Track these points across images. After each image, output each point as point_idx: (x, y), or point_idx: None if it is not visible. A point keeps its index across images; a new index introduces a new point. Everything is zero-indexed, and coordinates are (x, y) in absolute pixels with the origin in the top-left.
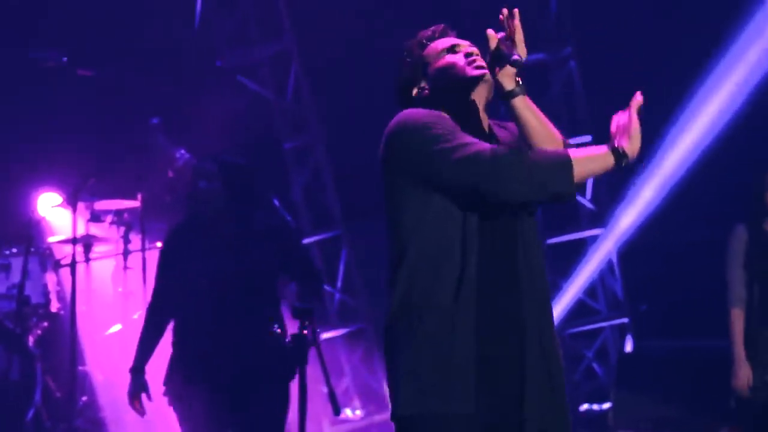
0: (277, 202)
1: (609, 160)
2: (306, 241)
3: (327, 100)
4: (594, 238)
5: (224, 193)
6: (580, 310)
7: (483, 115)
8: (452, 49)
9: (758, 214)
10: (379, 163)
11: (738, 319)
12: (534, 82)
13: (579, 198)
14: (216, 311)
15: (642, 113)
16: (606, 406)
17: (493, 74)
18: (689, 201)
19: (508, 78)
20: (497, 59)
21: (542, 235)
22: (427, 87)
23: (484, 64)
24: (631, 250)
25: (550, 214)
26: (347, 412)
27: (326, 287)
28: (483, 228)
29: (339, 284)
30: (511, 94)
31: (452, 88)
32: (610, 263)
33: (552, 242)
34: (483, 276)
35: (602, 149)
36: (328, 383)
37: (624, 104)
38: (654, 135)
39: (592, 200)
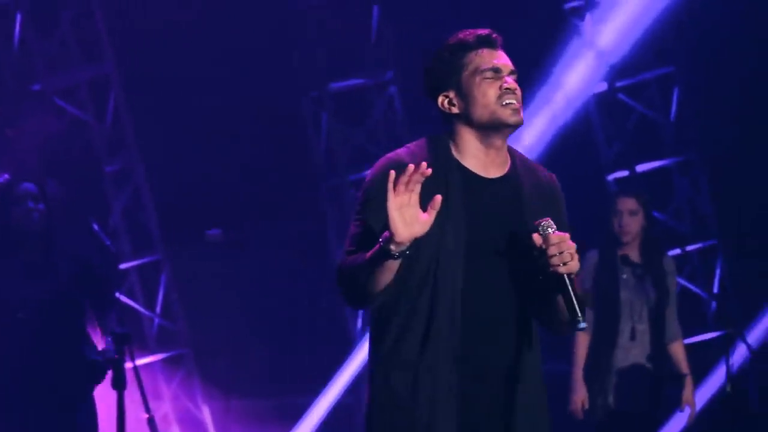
0: (96, 227)
1: (381, 259)
2: (125, 265)
3: (148, 123)
4: None
5: (46, 216)
6: None
7: (504, 151)
8: (492, 74)
9: (609, 240)
10: None
11: (582, 342)
12: (355, 107)
13: None
14: (19, 337)
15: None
16: None
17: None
18: None
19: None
20: (568, 311)
21: None
22: (455, 104)
23: (519, 105)
24: None
25: None
26: None
27: (145, 312)
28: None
29: (158, 309)
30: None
31: (481, 124)
32: None
33: None
34: (464, 334)
35: (374, 249)
36: (147, 409)
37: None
38: None
39: None
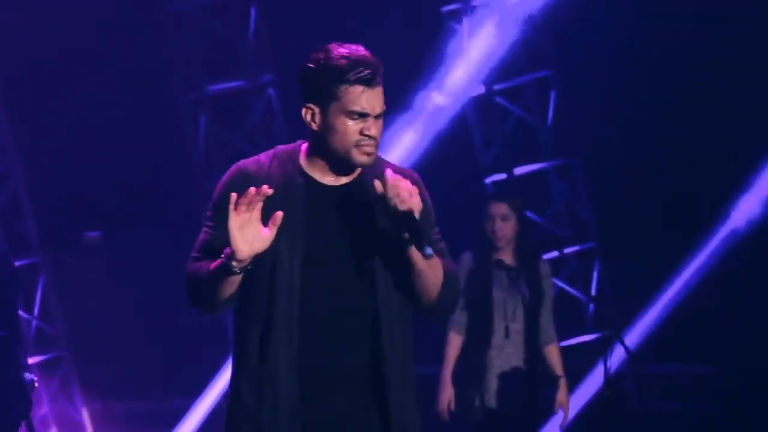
0: None
1: (222, 272)
2: None
3: (27, 127)
4: None
5: None
6: None
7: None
8: (358, 117)
9: (484, 243)
10: None
11: (453, 342)
12: (233, 109)
13: None
14: None
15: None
16: None
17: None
18: None
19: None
20: (409, 238)
21: None
22: (316, 122)
23: (374, 150)
24: None
25: None
26: None
27: (23, 314)
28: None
29: (36, 311)
30: (405, 244)
31: (332, 153)
32: None
33: None
34: (306, 334)
35: (218, 261)
36: None
37: None
38: None
39: None
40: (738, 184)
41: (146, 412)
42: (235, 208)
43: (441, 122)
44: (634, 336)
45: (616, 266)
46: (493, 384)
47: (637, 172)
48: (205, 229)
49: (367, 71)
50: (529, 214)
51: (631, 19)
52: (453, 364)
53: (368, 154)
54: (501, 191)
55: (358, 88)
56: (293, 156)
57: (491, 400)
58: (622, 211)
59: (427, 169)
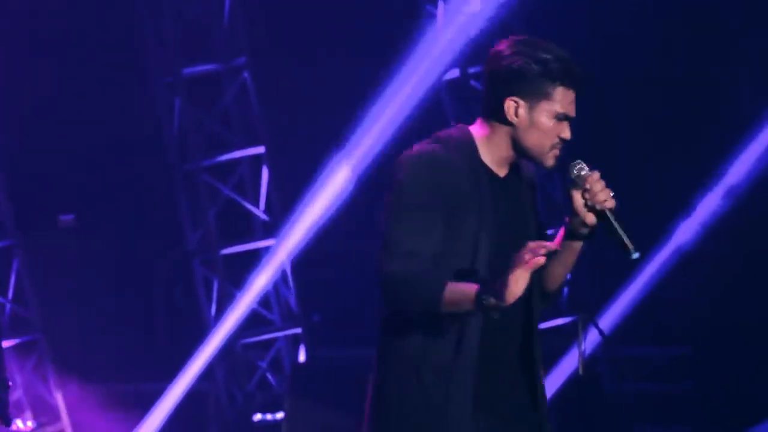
0: None
1: (469, 306)
2: None
3: (2, 110)
4: (268, 249)
5: None
6: (253, 321)
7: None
8: (563, 119)
9: None
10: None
11: None
12: (208, 92)
13: (252, 208)
14: None
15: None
16: (280, 416)
17: (572, 195)
18: (362, 210)
19: (588, 221)
20: (608, 229)
21: (216, 246)
22: (518, 116)
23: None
24: (304, 260)
25: (223, 224)
26: (18, 424)
27: None
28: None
29: (10, 294)
30: (582, 237)
31: (522, 148)
32: (284, 274)
33: (226, 253)
34: (490, 336)
35: (470, 295)
36: None
37: (298, 113)
38: (329, 144)
39: (265, 211)
40: (706, 172)
41: (121, 394)
42: (525, 263)
43: (416, 105)
44: (608, 319)
45: (590, 249)
46: None
47: (606, 157)
48: (404, 223)
49: (580, 76)
50: None
51: (605, 3)
52: None
53: (555, 158)
54: None
55: (570, 92)
56: (470, 146)
57: None
58: None
59: (397, 154)
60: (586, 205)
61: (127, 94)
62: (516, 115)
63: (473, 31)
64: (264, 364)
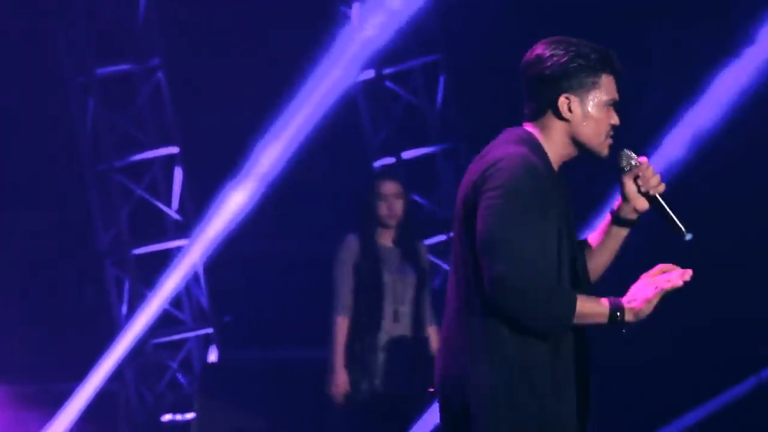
0: None
1: (602, 320)
2: None
3: None
4: (180, 249)
5: None
6: (165, 321)
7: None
8: (612, 106)
9: (369, 224)
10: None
11: (342, 326)
12: (121, 93)
13: (165, 208)
14: None
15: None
16: (190, 416)
17: (624, 182)
18: (275, 211)
19: (640, 207)
20: (661, 213)
21: (128, 246)
22: (572, 111)
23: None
24: (217, 260)
25: (135, 224)
26: None
27: None
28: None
29: None
30: (631, 223)
31: (579, 142)
32: (195, 274)
33: (138, 253)
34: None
35: (603, 310)
36: None
37: (212, 114)
38: (244, 144)
39: (178, 211)
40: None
41: (30, 394)
42: (662, 289)
43: (330, 106)
44: None
45: None
46: (382, 367)
47: None
48: (521, 229)
49: (617, 61)
50: (416, 197)
51: (520, 4)
52: (344, 348)
53: (609, 147)
54: (387, 171)
55: (612, 78)
56: (539, 146)
57: (379, 383)
58: None
59: (315, 154)
60: (638, 191)
61: (40, 94)
62: (570, 110)
63: (388, 32)
64: (174, 365)
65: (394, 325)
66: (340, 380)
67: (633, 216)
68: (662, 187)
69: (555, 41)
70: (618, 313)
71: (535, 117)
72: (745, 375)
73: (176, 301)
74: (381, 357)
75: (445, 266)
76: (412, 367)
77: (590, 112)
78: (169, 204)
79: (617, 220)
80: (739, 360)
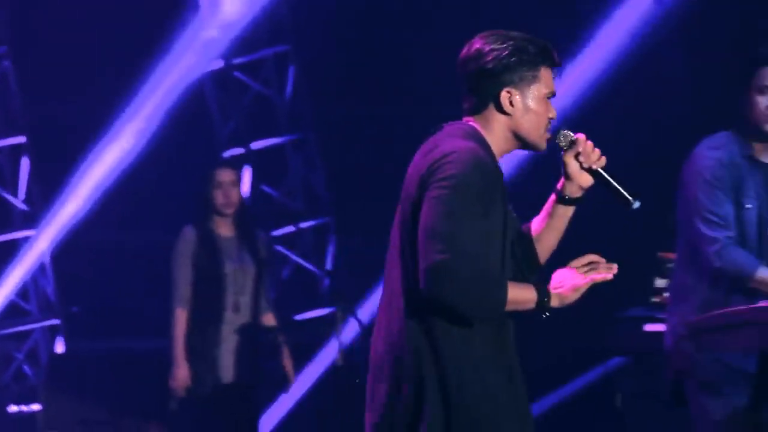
0: None
1: (531, 306)
2: None
3: None
4: (27, 239)
5: None
6: (10, 312)
7: None
8: (550, 99)
9: (206, 214)
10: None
11: (181, 319)
12: None
13: (10, 198)
14: None
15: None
16: (36, 407)
17: (566, 161)
18: (123, 201)
19: (584, 183)
20: (606, 185)
21: None
22: (514, 105)
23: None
24: (64, 250)
25: None
26: None
27: None
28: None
29: None
30: (577, 200)
31: (519, 136)
32: (42, 264)
33: None
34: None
35: (533, 296)
36: None
37: (60, 103)
38: (92, 134)
39: (25, 201)
40: None
41: None
42: (590, 279)
43: (178, 96)
44: (367, 310)
45: (350, 241)
46: (225, 358)
47: (369, 147)
48: (466, 222)
49: (555, 53)
50: (265, 188)
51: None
52: (183, 341)
53: (547, 140)
54: (224, 160)
55: (550, 71)
56: (484, 140)
57: (223, 374)
58: (357, 187)
59: (163, 144)
60: (581, 167)
61: None
62: (512, 104)
63: (237, 21)
64: (21, 356)
65: (235, 315)
66: (181, 374)
67: (578, 194)
68: (603, 160)
69: (492, 35)
70: (545, 299)
71: (476, 111)
72: (593, 365)
73: (22, 292)
74: (224, 349)
75: (294, 257)
76: (255, 357)
77: (531, 105)
78: (15, 194)
79: (562, 200)
80: (586, 351)
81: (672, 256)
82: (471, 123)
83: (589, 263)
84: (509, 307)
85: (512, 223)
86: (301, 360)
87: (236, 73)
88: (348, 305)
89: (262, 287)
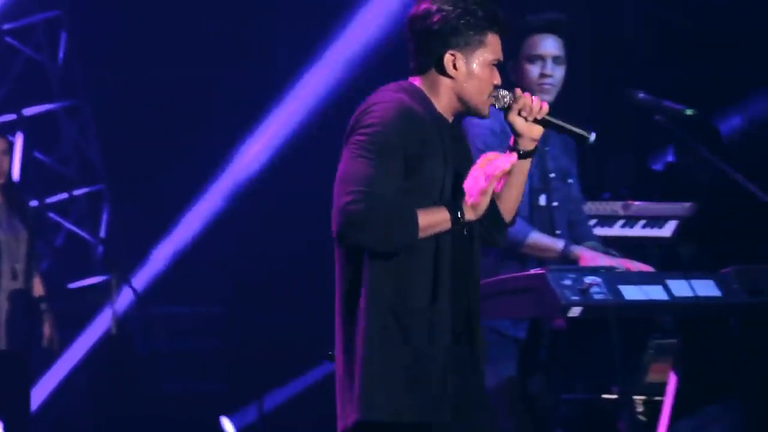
0: None
1: (448, 225)
2: None
3: None
4: None
5: None
6: None
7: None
8: (495, 65)
9: None
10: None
11: None
12: None
13: None
14: None
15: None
16: None
17: (511, 121)
18: None
19: (536, 135)
20: (557, 129)
21: None
22: (457, 69)
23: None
24: None
25: None
26: None
27: None
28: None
29: None
30: (531, 153)
31: (463, 100)
32: None
33: None
34: (453, 278)
35: (445, 215)
36: None
37: None
38: None
39: None
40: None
41: None
42: (489, 175)
43: None
44: (141, 278)
45: (124, 208)
46: (3, 325)
47: (142, 114)
48: (369, 162)
49: (505, 21)
50: (37, 154)
51: None
52: None
53: (491, 105)
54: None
55: (498, 38)
56: (423, 95)
57: (1, 342)
58: (130, 154)
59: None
60: (527, 121)
61: None
62: (455, 67)
63: None
64: None
65: (12, 282)
66: None
67: (532, 146)
68: (546, 107)
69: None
70: (459, 213)
71: (421, 71)
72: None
73: None
74: (2, 316)
75: (68, 225)
76: (30, 324)
77: (475, 70)
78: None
79: (518, 155)
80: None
81: None
82: (415, 82)
83: (487, 162)
84: (425, 233)
85: (458, 178)
86: (75, 329)
87: (7, 38)
88: (122, 273)
89: (35, 255)
